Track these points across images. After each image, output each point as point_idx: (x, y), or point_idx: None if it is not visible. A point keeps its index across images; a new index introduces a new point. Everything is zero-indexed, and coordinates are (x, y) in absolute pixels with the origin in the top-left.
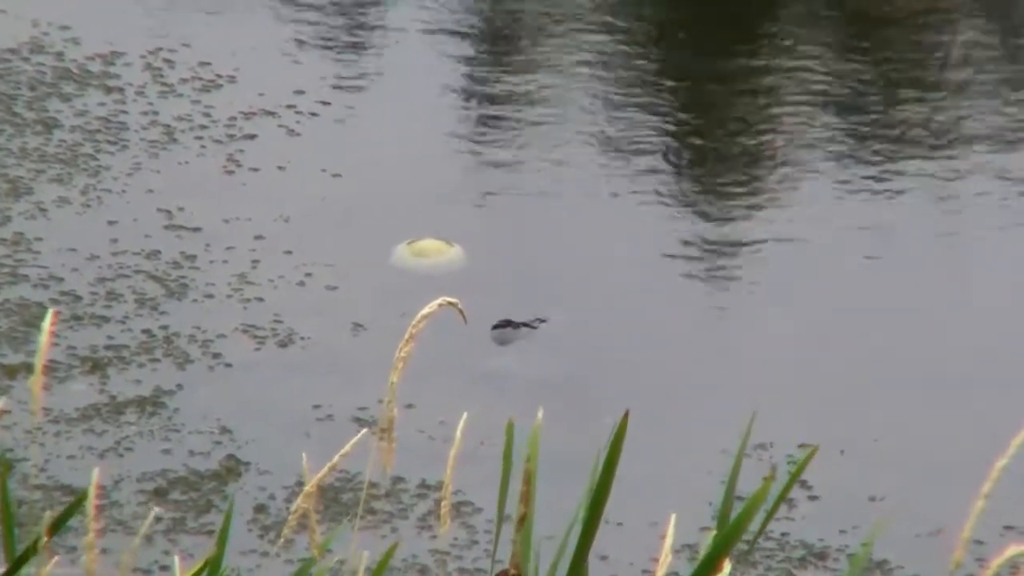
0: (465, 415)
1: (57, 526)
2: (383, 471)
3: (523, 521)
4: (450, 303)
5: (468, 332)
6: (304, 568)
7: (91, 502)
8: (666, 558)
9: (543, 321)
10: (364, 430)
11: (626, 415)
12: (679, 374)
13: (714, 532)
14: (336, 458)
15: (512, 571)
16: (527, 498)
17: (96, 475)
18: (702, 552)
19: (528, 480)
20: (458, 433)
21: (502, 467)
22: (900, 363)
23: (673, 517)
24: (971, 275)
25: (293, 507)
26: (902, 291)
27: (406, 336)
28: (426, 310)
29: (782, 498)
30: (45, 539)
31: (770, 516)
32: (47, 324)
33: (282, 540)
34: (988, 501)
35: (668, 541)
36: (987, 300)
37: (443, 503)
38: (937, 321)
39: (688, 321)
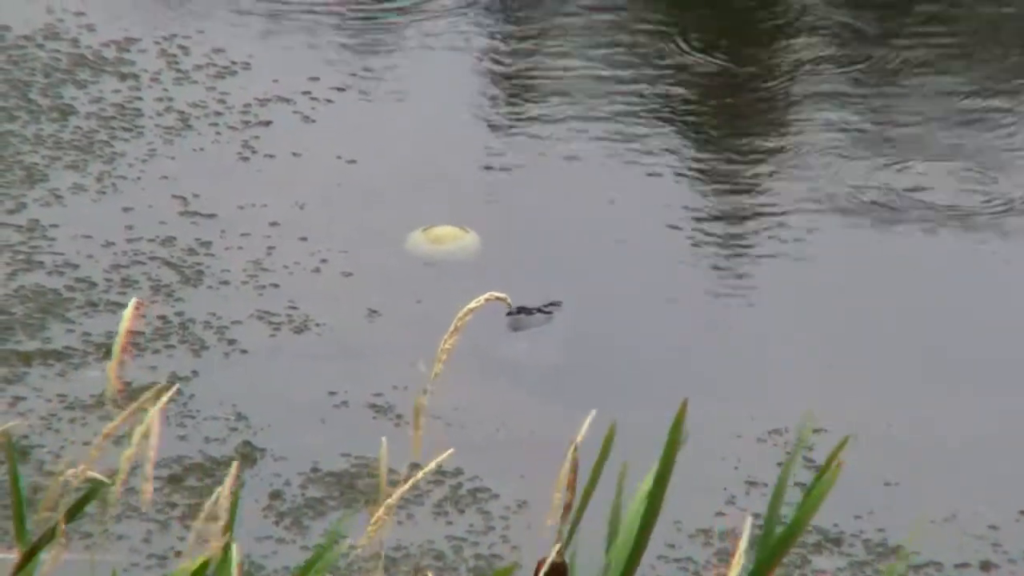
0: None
1: (74, 513)
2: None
3: (569, 510)
4: (498, 298)
5: (483, 318)
6: (319, 554)
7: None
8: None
9: (556, 305)
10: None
11: (684, 404)
12: (692, 360)
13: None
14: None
15: (557, 559)
16: (573, 486)
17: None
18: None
19: (574, 469)
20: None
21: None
22: (914, 347)
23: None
24: (986, 256)
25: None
26: (919, 274)
27: (451, 328)
28: (473, 304)
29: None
30: (62, 526)
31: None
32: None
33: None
34: (1003, 485)
35: (742, 543)
36: (1001, 284)
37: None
38: (952, 304)
39: (703, 309)
